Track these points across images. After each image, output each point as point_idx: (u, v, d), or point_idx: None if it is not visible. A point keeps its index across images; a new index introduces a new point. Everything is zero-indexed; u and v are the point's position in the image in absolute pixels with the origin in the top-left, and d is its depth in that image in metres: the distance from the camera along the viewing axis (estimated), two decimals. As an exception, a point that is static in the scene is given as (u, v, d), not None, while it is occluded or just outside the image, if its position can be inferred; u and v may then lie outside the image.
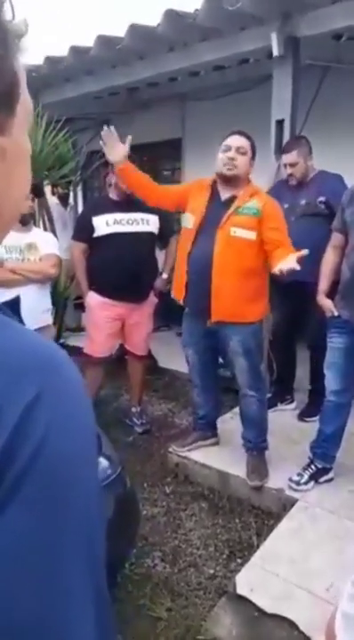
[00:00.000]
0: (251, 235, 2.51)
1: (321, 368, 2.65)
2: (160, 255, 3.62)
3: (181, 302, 2.79)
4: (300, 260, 2.25)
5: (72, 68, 4.49)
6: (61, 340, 4.33)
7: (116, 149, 2.73)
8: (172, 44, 3.91)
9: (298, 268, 2.23)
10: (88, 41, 4.11)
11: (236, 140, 2.58)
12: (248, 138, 2.61)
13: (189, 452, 3.03)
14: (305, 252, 2.25)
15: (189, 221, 2.68)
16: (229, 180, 2.59)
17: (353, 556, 2.11)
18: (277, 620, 1.96)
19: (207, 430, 3.10)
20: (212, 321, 2.63)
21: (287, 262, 2.26)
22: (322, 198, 3.04)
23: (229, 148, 2.58)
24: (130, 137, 2.78)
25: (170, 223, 3.55)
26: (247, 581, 2.11)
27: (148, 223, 3.31)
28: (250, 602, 2.04)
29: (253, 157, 2.62)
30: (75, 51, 4.28)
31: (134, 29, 3.73)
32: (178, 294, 2.78)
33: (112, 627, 0.54)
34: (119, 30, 3.86)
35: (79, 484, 0.44)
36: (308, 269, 2.70)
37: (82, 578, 0.44)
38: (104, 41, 3.99)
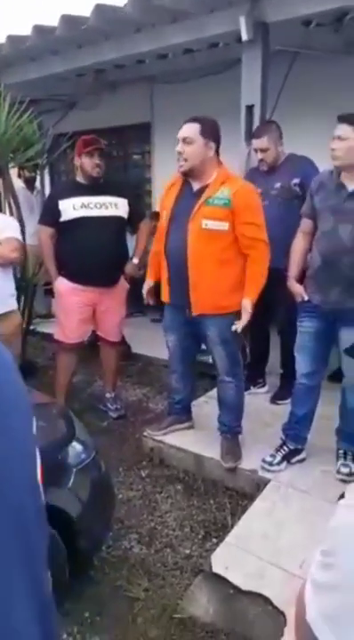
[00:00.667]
0: (223, 226, 2.48)
1: (291, 352, 2.70)
2: (131, 240, 3.60)
3: (168, 300, 2.77)
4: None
5: (36, 48, 4.36)
6: (32, 327, 4.28)
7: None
8: (139, 26, 3.84)
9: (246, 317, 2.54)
10: (53, 20, 4.00)
11: (181, 132, 2.51)
12: (199, 121, 2.50)
13: (164, 435, 3.06)
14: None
15: (162, 217, 2.69)
16: (188, 174, 2.56)
17: (324, 532, 2.19)
18: (251, 597, 2.02)
19: (182, 414, 3.13)
20: (193, 314, 2.65)
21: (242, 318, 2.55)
22: (296, 180, 3.08)
23: (177, 141, 2.52)
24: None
25: (140, 207, 3.53)
26: (222, 560, 2.16)
27: (117, 207, 3.28)
28: (225, 580, 2.09)
29: (211, 139, 2.50)
30: (38, 30, 4.16)
31: (100, 9, 3.65)
32: (165, 296, 2.78)
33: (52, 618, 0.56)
34: (85, 10, 3.78)
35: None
36: (282, 256, 2.76)
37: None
38: (69, 20, 3.89)
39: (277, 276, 2.76)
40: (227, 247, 2.52)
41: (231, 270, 2.57)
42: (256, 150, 3.17)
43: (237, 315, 2.61)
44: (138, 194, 5.77)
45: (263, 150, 3.14)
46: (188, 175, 2.59)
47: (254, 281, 2.56)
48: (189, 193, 2.60)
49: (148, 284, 2.95)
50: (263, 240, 2.54)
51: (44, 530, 0.62)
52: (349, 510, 0.62)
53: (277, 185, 3.14)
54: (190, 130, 2.50)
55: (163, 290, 2.80)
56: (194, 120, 2.53)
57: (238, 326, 2.56)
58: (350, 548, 0.60)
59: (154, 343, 3.07)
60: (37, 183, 5.83)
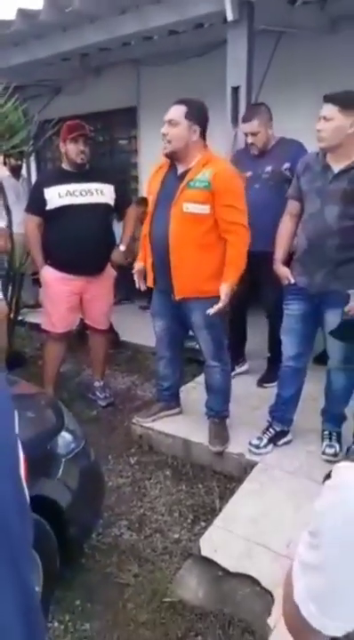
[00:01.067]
0: (204, 209, 2.46)
1: (278, 336, 2.71)
2: (118, 227, 3.57)
3: (153, 285, 2.76)
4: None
5: (20, 33, 4.28)
6: (20, 317, 4.25)
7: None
8: (123, 7, 3.77)
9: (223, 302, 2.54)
10: (36, 3, 3.92)
11: (168, 114, 2.50)
12: (186, 104, 2.48)
13: (152, 422, 3.07)
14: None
15: (149, 201, 2.67)
16: (172, 157, 2.55)
17: (310, 512, 2.21)
18: (240, 578, 2.05)
19: (171, 401, 3.13)
20: (176, 298, 2.64)
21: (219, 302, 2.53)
22: (287, 165, 3.04)
23: (163, 123, 2.51)
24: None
25: (126, 193, 3.49)
26: (211, 543, 2.18)
27: (103, 193, 3.24)
28: (214, 563, 2.11)
29: (196, 123, 2.49)
30: (23, 14, 4.08)
31: (84, -10, 3.58)
32: (149, 280, 2.77)
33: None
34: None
35: None
36: (269, 239, 2.76)
37: None
38: (53, 4, 3.82)
39: (267, 258, 2.74)
40: (208, 231, 2.51)
41: (213, 254, 2.55)
42: (246, 134, 3.12)
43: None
44: (124, 180, 5.71)
45: (254, 134, 3.09)
46: (171, 157, 2.57)
47: (233, 265, 2.55)
48: (173, 176, 2.59)
49: (137, 266, 2.90)
50: (243, 224, 2.52)
51: (26, 526, 0.61)
52: (333, 491, 0.62)
53: (269, 169, 3.11)
54: (176, 112, 2.49)
55: (147, 275, 2.78)
56: (181, 102, 2.51)
57: (213, 310, 2.54)
58: (335, 528, 0.61)
59: (142, 331, 3.06)
60: (24, 171, 5.76)
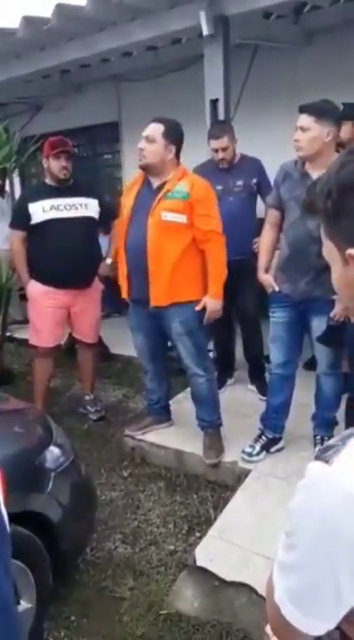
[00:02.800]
0: (181, 218, 2.55)
1: (256, 342, 2.76)
2: (105, 240, 3.59)
3: (128, 296, 2.80)
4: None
5: (-2, 51, 4.31)
6: (8, 334, 4.23)
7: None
8: (101, 24, 3.83)
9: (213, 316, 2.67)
10: (13, 22, 3.95)
11: (146, 129, 2.59)
12: (164, 123, 2.59)
13: (143, 435, 3.06)
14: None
15: (123, 215, 2.73)
16: (146, 170, 2.64)
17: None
18: (236, 588, 2.04)
19: (162, 414, 3.13)
20: (152, 305, 2.66)
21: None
22: (255, 180, 3.26)
23: (140, 138, 2.60)
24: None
25: (111, 206, 3.51)
26: (206, 553, 2.17)
27: (87, 207, 3.27)
28: (210, 573, 2.10)
29: (172, 142, 2.58)
30: (0, 33, 4.11)
31: (61, 9, 3.62)
32: (124, 292, 2.80)
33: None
34: (45, 11, 3.74)
35: None
36: (247, 247, 2.87)
37: None
38: (30, 22, 3.85)
39: (242, 266, 2.90)
40: (185, 240, 2.58)
41: (190, 261, 2.62)
42: (216, 150, 3.21)
43: (198, 303, 2.70)
44: (109, 193, 5.74)
45: (224, 149, 3.20)
46: (146, 170, 2.65)
47: (216, 275, 2.66)
48: (148, 190, 2.67)
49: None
50: (217, 232, 2.63)
51: (4, 542, 0.61)
52: (306, 491, 0.63)
53: (240, 182, 3.26)
54: (154, 129, 2.58)
55: (122, 286, 2.80)
56: (159, 121, 2.60)
57: (199, 307, 2.65)
58: (309, 527, 0.61)
59: (132, 343, 3.07)
60: (7, 187, 5.77)
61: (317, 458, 0.64)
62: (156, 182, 2.64)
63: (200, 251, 2.64)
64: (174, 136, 2.60)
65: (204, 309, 2.67)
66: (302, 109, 2.33)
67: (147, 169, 2.64)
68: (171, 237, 2.54)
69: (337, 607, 0.61)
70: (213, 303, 2.66)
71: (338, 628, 0.65)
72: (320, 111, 2.29)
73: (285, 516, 0.65)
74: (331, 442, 0.66)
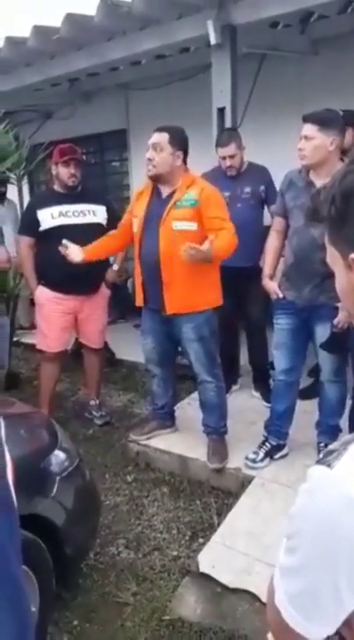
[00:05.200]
0: (192, 226, 2.55)
1: (261, 349, 2.75)
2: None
3: (143, 305, 2.80)
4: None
5: (8, 60, 4.37)
6: (15, 339, 4.27)
7: (74, 255, 2.88)
8: (110, 34, 3.87)
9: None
10: (24, 32, 4.01)
11: (152, 139, 2.60)
12: (168, 131, 2.60)
13: (148, 440, 3.07)
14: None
15: (135, 225, 2.74)
16: (156, 179, 2.64)
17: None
18: (239, 594, 2.04)
19: (166, 420, 3.14)
20: (167, 313, 2.67)
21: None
22: (262, 187, 3.27)
23: (147, 148, 2.61)
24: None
25: (118, 213, 3.54)
26: (209, 559, 2.18)
27: (96, 214, 3.30)
28: (213, 579, 2.11)
29: (179, 149, 2.59)
30: (10, 42, 4.17)
31: (71, 19, 3.67)
32: (139, 300, 2.81)
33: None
34: (55, 20, 3.79)
35: None
36: (253, 254, 2.88)
37: None
38: (40, 31, 3.91)
39: (251, 273, 2.89)
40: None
41: (203, 269, 2.60)
42: (224, 157, 3.23)
43: (214, 311, 2.70)
44: (117, 200, 5.78)
45: (232, 157, 3.22)
46: (155, 180, 2.66)
47: (222, 240, 2.47)
48: (158, 199, 2.68)
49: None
50: (230, 228, 2.54)
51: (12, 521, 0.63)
52: (307, 495, 0.63)
53: (248, 189, 3.27)
54: (160, 138, 2.59)
55: (137, 294, 2.82)
56: (163, 129, 2.61)
57: (190, 245, 2.38)
58: (310, 531, 0.61)
59: (137, 348, 3.08)
60: (16, 194, 5.81)
61: (319, 462, 0.65)
62: (165, 191, 2.66)
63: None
64: (180, 142, 2.61)
65: (215, 317, 2.68)
66: (306, 119, 2.35)
67: (156, 179, 2.64)
68: (182, 245, 2.49)
69: (337, 611, 0.61)
70: (207, 249, 2.39)
71: (337, 632, 0.66)
72: (324, 120, 2.30)
73: (287, 521, 0.66)
74: (332, 446, 0.66)
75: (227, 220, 2.58)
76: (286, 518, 0.67)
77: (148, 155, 2.59)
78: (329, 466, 0.62)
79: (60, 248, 2.87)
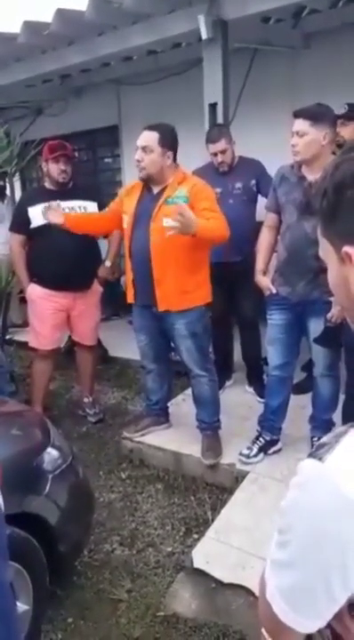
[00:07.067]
0: None
1: (254, 345, 2.75)
2: (104, 243, 3.60)
3: (133, 301, 2.79)
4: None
5: (-1, 56, 4.34)
6: (7, 337, 4.24)
7: (54, 216, 2.86)
8: (101, 29, 3.84)
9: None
10: (14, 27, 3.98)
11: (140, 140, 2.58)
12: (155, 129, 2.57)
13: (142, 436, 3.06)
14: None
15: (125, 221, 2.72)
16: (147, 180, 2.63)
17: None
18: (234, 589, 2.04)
19: (160, 416, 3.13)
20: (159, 310, 2.67)
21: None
22: (253, 181, 3.25)
23: (136, 149, 2.59)
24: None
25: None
26: (203, 555, 2.18)
27: (87, 210, 3.28)
28: (207, 574, 2.11)
29: (169, 149, 2.58)
30: (1, 37, 4.13)
31: (61, 14, 3.64)
32: (130, 296, 2.80)
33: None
34: (46, 16, 3.76)
35: None
36: (246, 250, 2.88)
37: None
38: (31, 27, 3.87)
39: (240, 268, 2.90)
40: (189, 244, 2.54)
41: (194, 266, 2.61)
42: (216, 153, 3.22)
43: (205, 307, 2.69)
44: (109, 197, 5.76)
45: (223, 152, 3.21)
46: (147, 181, 2.65)
47: (208, 224, 2.43)
48: (149, 196, 2.67)
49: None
50: (222, 219, 2.51)
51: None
52: (298, 488, 0.63)
53: (239, 185, 3.26)
54: (149, 138, 2.56)
55: (128, 291, 2.81)
56: (153, 128, 2.59)
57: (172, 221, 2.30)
58: (301, 524, 0.61)
59: (131, 345, 3.08)
60: (7, 191, 5.78)
61: (311, 455, 0.64)
62: (156, 188, 2.65)
63: (203, 254, 2.63)
64: (170, 141, 2.59)
65: (206, 313, 2.66)
66: (297, 114, 2.34)
67: (147, 180, 2.63)
68: (174, 242, 2.51)
69: (328, 605, 0.61)
70: (189, 220, 2.29)
71: (329, 625, 0.66)
72: (315, 115, 2.30)
73: (278, 515, 0.66)
74: (324, 439, 0.65)
75: (217, 212, 2.55)
76: (277, 512, 0.66)
77: (137, 156, 2.57)
78: (321, 459, 0.61)
79: (42, 209, 2.89)
